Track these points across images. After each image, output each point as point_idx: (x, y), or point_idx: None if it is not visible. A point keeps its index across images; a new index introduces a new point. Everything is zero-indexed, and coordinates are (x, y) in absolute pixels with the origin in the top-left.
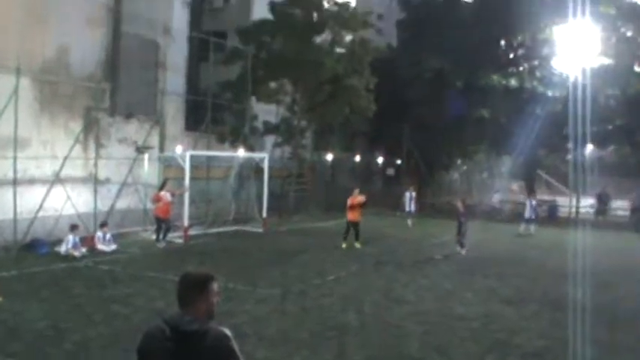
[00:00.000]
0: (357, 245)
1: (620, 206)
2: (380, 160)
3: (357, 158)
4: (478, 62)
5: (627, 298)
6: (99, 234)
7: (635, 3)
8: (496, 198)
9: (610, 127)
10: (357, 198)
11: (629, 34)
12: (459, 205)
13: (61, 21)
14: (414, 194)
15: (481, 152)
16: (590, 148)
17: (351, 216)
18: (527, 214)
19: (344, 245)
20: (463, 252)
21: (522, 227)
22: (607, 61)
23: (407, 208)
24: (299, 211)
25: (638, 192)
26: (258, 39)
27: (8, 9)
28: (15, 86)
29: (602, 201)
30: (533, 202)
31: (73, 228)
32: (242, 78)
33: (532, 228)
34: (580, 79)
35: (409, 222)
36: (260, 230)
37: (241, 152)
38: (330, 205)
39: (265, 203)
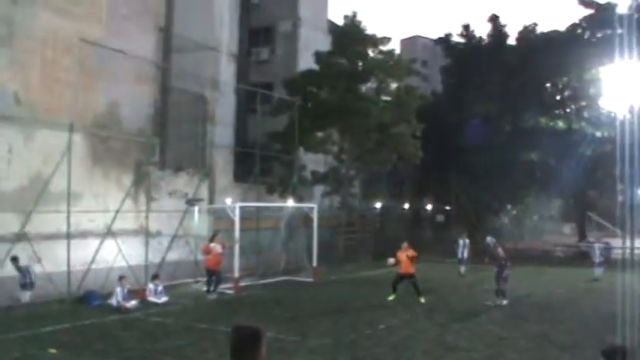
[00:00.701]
0: (422, 300)
1: None
2: (429, 207)
3: (406, 206)
4: (524, 105)
5: None
6: (150, 286)
7: None
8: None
9: None
10: (408, 252)
11: None
12: (499, 249)
13: (111, 78)
14: (467, 241)
15: (531, 196)
16: None
17: (404, 269)
18: (597, 258)
19: (391, 297)
20: (504, 302)
21: (596, 272)
22: None
23: (459, 256)
24: (349, 261)
25: None
26: (304, 89)
27: (61, 67)
28: (68, 142)
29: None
30: (602, 246)
31: (121, 279)
32: (289, 128)
33: (599, 272)
34: (628, 118)
35: (462, 269)
36: (310, 280)
37: (290, 202)
38: (379, 254)
39: (315, 253)
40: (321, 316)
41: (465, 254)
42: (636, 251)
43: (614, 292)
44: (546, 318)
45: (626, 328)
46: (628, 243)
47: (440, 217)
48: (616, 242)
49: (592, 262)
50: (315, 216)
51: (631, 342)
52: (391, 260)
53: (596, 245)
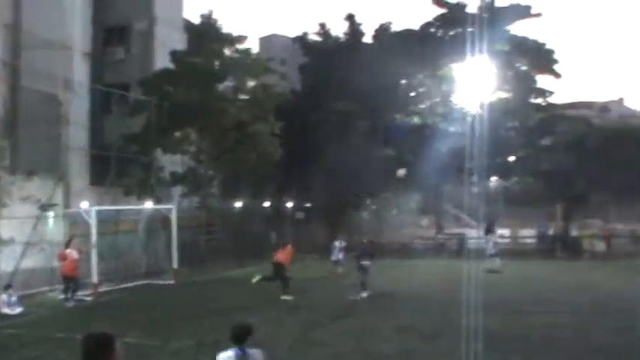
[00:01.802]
0: (287, 298)
1: (527, 234)
2: (290, 204)
3: (267, 204)
4: (381, 103)
5: (540, 325)
6: (3, 297)
7: (527, 38)
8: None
9: (512, 158)
10: (285, 251)
11: (523, 68)
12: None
13: None
14: (343, 244)
15: (390, 190)
16: (494, 179)
17: (282, 258)
18: (491, 250)
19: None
20: (364, 295)
21: (494, 262)
22: (505, 95)
23: (334, 258)
24: (210, 261)
25: (543, 221)
26: (160, 89)
27: None
28: None
29: (490, 231)
30: (494, 237)
31: None
32: (146, 129)
33: (497, 262)
34: (479, 113)
35: (339, 269)
36: (171, 282)
37: (149, 204)
38: (240, 253)
39: (175, 254)
40: (184, 319)
41: (341, 256)
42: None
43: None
44: (410, 309)
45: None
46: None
47: (299, 215)
48: (471, 232)
49: (487, 253)
50: (174, 217)
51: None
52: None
53: (489, 237)
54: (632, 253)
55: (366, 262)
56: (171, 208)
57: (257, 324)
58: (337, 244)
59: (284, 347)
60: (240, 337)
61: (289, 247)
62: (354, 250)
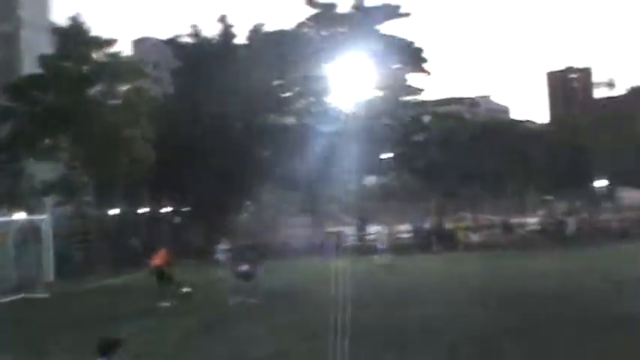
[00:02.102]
0: (166, 304)
1: (405, 230)
2: (167, 209)
3: (144, 209)
4: (256, 104)
5: (416, 318)
6: None
7: (397, 37)
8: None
9: (387, 155)
10: (161, 257)
11: (394, 67)
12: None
13: None
14: (227, 246)
15: (267, 191)
16: (370, 177)
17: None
18: (381, 245)
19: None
20: (252, 300)
21: (383, 258)
22: (378, 93)
23: (219, 258)
24: (86, 271)
25: (418, 216)
26: (29, 95)
27: None
28: None
29: (362, 227)
30: (384, 233)
31: None
32: (14, 137)
33: (388, 258)
34: (353, 112)
35: (220, 274)
36: (46, 295)
37: (20, 215)
38: (117, 261)
39: (50, 266)
40: (59, 333)
41: (226, 258)
42: (368, 237)
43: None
44: (289, 310)
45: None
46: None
47: (177, 219)
48: (349, 230)
49: (377, 249)
50: (47, 227)
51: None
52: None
53: (381, 233)
54: (503, 243)
55: (244, 268)
56: (43, 218)
57: (135, 333)
58: (221, 246)
59: (161, 355)
60: (106, 350)
61: (162, 251)
62: (237, 255)
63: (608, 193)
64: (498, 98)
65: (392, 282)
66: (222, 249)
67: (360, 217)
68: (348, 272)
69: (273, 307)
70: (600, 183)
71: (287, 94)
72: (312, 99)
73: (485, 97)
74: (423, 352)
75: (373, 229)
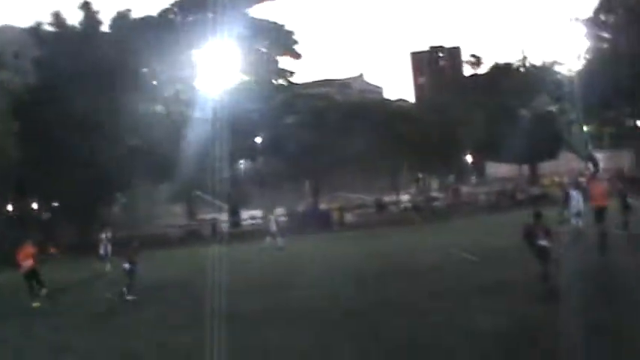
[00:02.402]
0: (35, 304)
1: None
2: (35, 205)
3: (10, 207)
4: (123, 92)
5: (297, 299)
6: None
7: (267, 21)
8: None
9: (259, 139)
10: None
11: (264, 50)
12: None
13: None
14: (109, 235)
15: (140, 181)
16: (242, 162)
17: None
18: (273, 227)
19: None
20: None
21: (279, 241)
22: (247, 78)
23: (102, 252)
24: None
25: (292, 198)
26: None
27: None
28: None
29: (233, 212)
30: (276, 217)
31: None
32: None
33: (280, 241)
34: (223, 97)
35: (107, 267)
36: None
37: None
38: None
39: None
40: None
41: (109, 249)
42: (244, 222)
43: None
44: (164, 300)
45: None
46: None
47: (46, 215)
48: (222, 216)
49: (269, 232)
50: None
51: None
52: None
53: (272, 217)
54: (377, 221)
55: (126, 265)
56: None
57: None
58: (103, 236)
59: (30, 356)
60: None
61: (27, 246)
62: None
63: (478, 168)
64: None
65: (272, 265)
66: (102, 242)
67: (231, 203)
68: (225, 259)
69: (152, 299)
70: (470, 158)
71: (155, 82)
72: (180, 86)
73: (357, 77)
74: (301, 331)
75: (248, 214)
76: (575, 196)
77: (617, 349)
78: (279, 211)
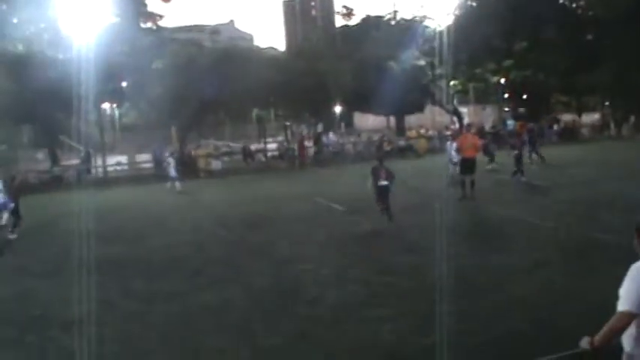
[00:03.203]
0: None
1: (145, 159)
2: None
3: None
4: None
5: (160, 247)
6: None
7: None
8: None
9: (124, 83)
10: None
11: None
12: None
13: None
14: None
15: None
16: (107, 106)
17: None
18: (173, 172)
19: None
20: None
21: (169, 184)
22: (114, 19)
23: None
24: None
25: (158, 145)
26: None
27: None
28: None
29: (85, 160)
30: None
31: None
32: None
33: (178, 185)
34: (87, 39)
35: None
36: None
37: None
38: None
39: None
40: None
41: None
42: (111, 168)
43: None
44: (29, 248)
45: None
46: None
47: None
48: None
49: (170, 177)
50: None
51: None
52: None
53: (170, 160)
54: (244, 168)
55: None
56: None
57: None
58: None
59: None
60: None
61: None
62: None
63: (346, 118)
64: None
65: (136, 213)
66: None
67: (89, 149)
68: (91, 206)
69: (19, 245)
70: (338, 108)
71: (14, 20)
72: (42, 25)
73: (228, 24)
74: (162, 279)
75: (114, 160)
76: (449, 147)
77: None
78: (145, 157)
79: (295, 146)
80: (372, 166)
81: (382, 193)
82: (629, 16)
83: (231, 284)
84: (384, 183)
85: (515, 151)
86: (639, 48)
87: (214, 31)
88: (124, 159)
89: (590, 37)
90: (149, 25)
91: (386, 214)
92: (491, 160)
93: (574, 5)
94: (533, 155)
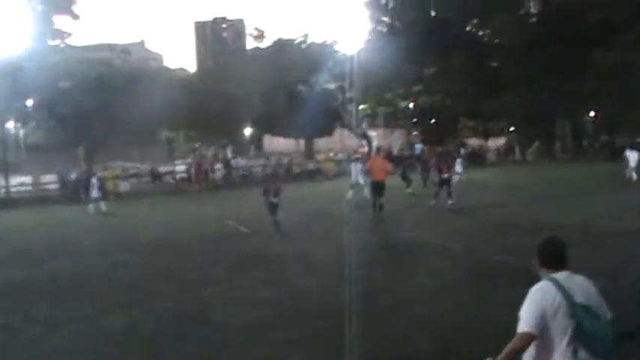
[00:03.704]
0: None
1: (50, 180)
2: None
3: None
4: None
5: (64, 270)
6: None
7: None
8: None
9: (30, 102)
10: None
11: (40, 8)
12: None
13: None
14: None
15: None
16: (12, 125)
17: None
18: (96, 193)
19: None
20: None
21: (92, 206)
22: (23, 35)
23: None
24: None
25: (63, 165)
26: None
27: None
28: None
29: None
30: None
31: None
32: None
33: (102, 205)
34: None
35: None
36: None
37: None
38: None
39: None
40: None
41: None
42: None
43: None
44: None
45: None
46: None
47: None
48: None
49: (93, 198)
50: None
51: None
52: None
53: (94, 180)
54: (152, 190)
55: None
56: None
57: None
58: None
59: None
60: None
61: None
62: None
63: (256, 141)
64: (152, 46)
65: (39, 235)
66: None
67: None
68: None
69: None
70: (248, 131)
71: None
72: None
73: (138, 44)
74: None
75: (17, 181)
76: (354, 169)
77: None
78: (50, 177)
79: (193, 168)
80: (264, 186)
81: (272, 209)
82: (532, 44)
83: (137, 308)
84: (274, 200)
85: (444, 175)
86: (542, 75)
87: (124, 50)
88: (28, 179)
89: (495, 63)
90: (57, 42)
91: (275, 227)
92: (409, 184)
93: (481, 33)
94: (462, 177)
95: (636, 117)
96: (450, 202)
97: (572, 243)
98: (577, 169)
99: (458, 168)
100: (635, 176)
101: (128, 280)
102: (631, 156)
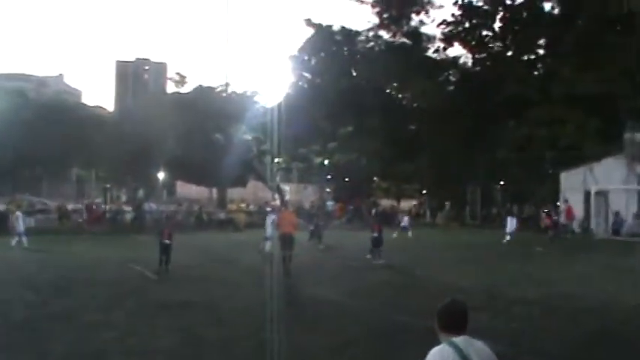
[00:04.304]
0: None
1: None
2: None
3: None
4: None
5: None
6: None
7: None
8: None
9: None
10: None
11: None
12: None
13: None
14: None
15: None
16: None
17: None
18: (20, 227)
19: None
20: None
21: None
22: None
23: None
24: None
25: None
26: None
27: None
28: None
29: None
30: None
31: None
32: None
33: (24, 240)
34: None
35: None
36: None
37: None
38: None
39: None
40: None
41: None
42: None
43: None
44: None
45: None
46: None
47: None
48: None
49: (17, 232)
50: None
51: None
52: None
53: (19, 214)
54: (59, 228)
55: None
56: None
57: None
58: None
59: None
60: None
61: None
62: None
63: (169, 186)
64: (71, 80)
65: None
66: None
67: None
68: None
69: None
70: (162, 175)
71: None
72: None
73: (57, 77)
74: None
75: None
76: (269, 221)
77: None
78: None
79: (84, 209)
80: (158, 228)
81: (165, 250)
82: (449, 110)
83: (29, 351)
84: (167, 242)
85: (374, 234)
86: (456, 141)
87: (42, 82)
88: None
89: (411, 127)
90: None
91: (165, 267)
92: (320, 240)
93: (400, 96)
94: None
95: (539, 189)
96: (380, 261)
97: (476, 308)
98: (484, 235)
99: None
100: (508, 238)
101: (22, 321)
102: (509, 222)
